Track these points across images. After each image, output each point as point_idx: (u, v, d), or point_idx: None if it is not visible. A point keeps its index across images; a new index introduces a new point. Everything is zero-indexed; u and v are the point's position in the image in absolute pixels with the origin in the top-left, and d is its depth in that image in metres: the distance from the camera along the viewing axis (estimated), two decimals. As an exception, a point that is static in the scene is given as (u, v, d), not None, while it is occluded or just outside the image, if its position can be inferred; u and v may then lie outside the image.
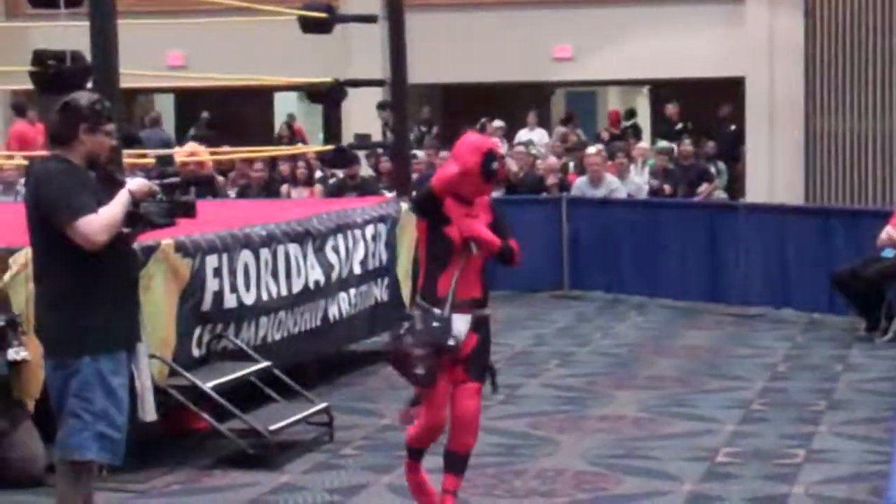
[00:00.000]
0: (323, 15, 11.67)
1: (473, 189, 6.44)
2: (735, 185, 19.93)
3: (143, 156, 13.36)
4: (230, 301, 8.72)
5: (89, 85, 7.97)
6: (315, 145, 18.48)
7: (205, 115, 22.93)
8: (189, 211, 6.08)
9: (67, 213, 5.69)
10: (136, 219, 5.88)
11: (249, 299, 8.94)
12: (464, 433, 6.53)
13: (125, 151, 9.89)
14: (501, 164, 6.61)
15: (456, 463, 6.58)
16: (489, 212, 6.58)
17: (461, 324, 6.43)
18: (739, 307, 13.65)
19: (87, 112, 5.85)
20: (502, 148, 16.52)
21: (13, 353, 7.52)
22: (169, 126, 23.26)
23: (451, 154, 6.51)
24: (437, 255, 6.44)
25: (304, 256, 9.74)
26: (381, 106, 19.28)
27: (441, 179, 6.40)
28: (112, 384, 5.82)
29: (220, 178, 16.17)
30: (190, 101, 23.92)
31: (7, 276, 7.65)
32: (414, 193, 6.46)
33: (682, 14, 20.50)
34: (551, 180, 15.99)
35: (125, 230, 5.88)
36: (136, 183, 5.95)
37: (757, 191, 19.75)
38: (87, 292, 5.79)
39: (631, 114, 24.63)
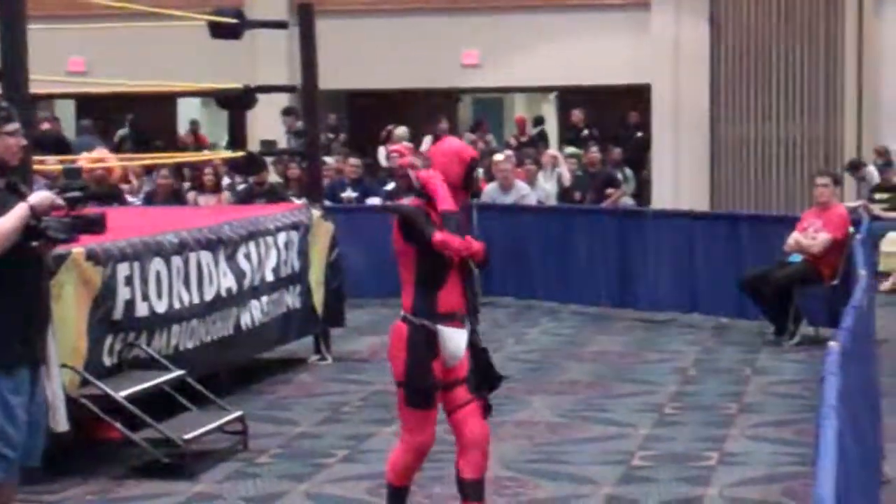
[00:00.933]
0: (233, 21, 11.57)
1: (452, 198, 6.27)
2: (641, 191, 20.08)
3: (42, 162, 13.09)
4: (142, 309, 8.63)
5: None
6: (220, 151, 18.33)
7: (129, 116, 22.68)
8: (95, 227, 5.95)
9: None
10: (37, 233, 5.74)
11: (161, 307, 8.85)
12: (480, 456, 6.29)
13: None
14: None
15: (478, 490, 6.32)
16: None
17: (462, 339, 6.27)
18: (649, 312, 13.75)
19: None
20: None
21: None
22: (69, 133, 22.92)
23: (430, 160, 6.34)
24: (431, 271, 6.18)
25: (216, 264, 9.66)
26: (287, 112, 19.16)
27: (450, 248, 6.08)
28: (10, 403, 5.71)
29: (125, 186, 15.98)
30: (90, 108, 23.59)
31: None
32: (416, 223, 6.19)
33: (588, 21, 20.62)
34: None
35: (33, 244, 5.75)
36: (37, 196, 5.82)
37: (663, 197, 19.90)
38: None
39: (539, 121, 24.72)
